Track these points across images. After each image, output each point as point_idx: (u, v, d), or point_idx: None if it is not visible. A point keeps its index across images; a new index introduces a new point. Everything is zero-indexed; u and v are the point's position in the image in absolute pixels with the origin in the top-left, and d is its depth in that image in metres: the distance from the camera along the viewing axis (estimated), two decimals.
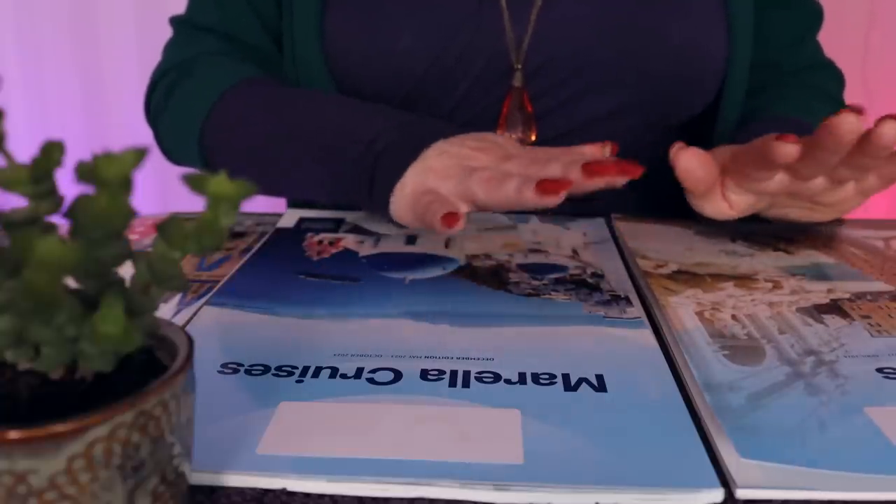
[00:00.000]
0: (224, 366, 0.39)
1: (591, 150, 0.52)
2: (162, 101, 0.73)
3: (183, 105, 0.70)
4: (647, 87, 0.67)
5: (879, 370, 0.38)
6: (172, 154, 0.75)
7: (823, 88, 0.75)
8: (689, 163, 0.52)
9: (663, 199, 0.64)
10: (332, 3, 0.67)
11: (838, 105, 0.74)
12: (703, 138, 0.73)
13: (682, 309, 0.46)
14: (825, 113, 0.69)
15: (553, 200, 0.44)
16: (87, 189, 0.21)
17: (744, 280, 0.50)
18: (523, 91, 0.67)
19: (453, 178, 0.48)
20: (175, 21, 0.77)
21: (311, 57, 0.68)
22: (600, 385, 0.37)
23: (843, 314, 0.45)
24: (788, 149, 0.46)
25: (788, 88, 0.74)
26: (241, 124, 0.65)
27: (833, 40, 0.83)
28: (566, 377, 0.38)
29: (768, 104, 0.71)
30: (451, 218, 0.45)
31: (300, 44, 0.69)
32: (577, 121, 0.69)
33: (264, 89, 0.67)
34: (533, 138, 0.68)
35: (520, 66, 0.66)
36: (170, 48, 0.76)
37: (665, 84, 0.67)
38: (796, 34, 0.76)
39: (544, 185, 0.44)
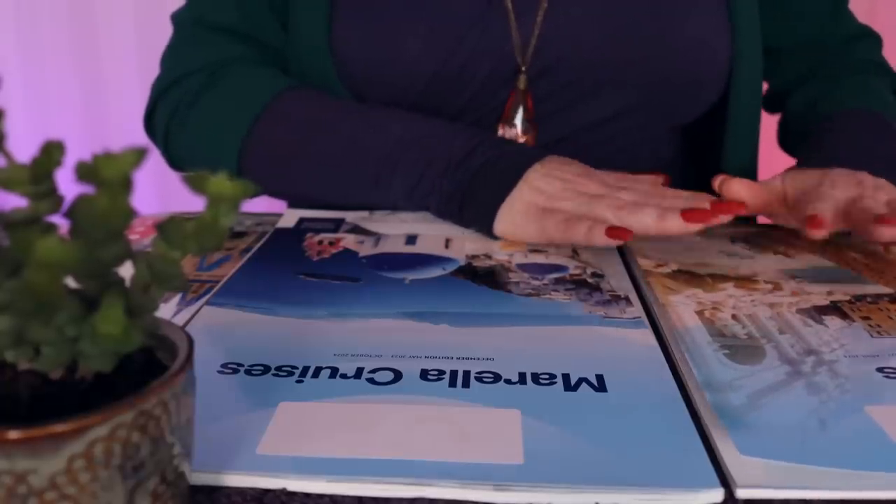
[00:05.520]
0: (224, 366, 0.39)
1: (645, 180, 0.59)
2: (182, 108, 0.68)
3: (219, 111, 0.66)
4: (652, 88, 0.67)
5: (880, 370, 0.38)
6: (188, 162, 0.70)
7: (873, 60, 0.76)
8: (739, 193, 0.55)
9: None
10: (339, 12, 0.67)
11: (887, 73, 0.75)
12: (711, 138, 0.74)
13: (683, 308, 0.46)
14: (882, 87, 0.71)
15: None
16: (87, 189, 0.21)
17: (744, 281, 0.50)
18: (527, 93, 0.67)
19: (568, 201, 0.54)
20: (180, 19, 0.72)
21: (320, 65, 0.68)
22: (600, 385, 0.37)
23: (843, 315, 0.45)
24: (817, 234, 0.51)
25: (840, 70, 0.74)
26: (300, 131, 0.63)
27: None
28: (566, 377, 0.38)
29: (827, 92, 0.71)
30: (621, 232, 0.51)
31: (308, 52, 0.68)
32: (583, 122, 0.69)
33: (316, 96, 0.66)
34: (531, 142, 0.68)
35: (524, 69, 0.66)
36: (179, 49, 0.71)
37: (669, 85, 0.68)
38: (830, 5, 0.76)
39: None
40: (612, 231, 0.51)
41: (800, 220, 0.53)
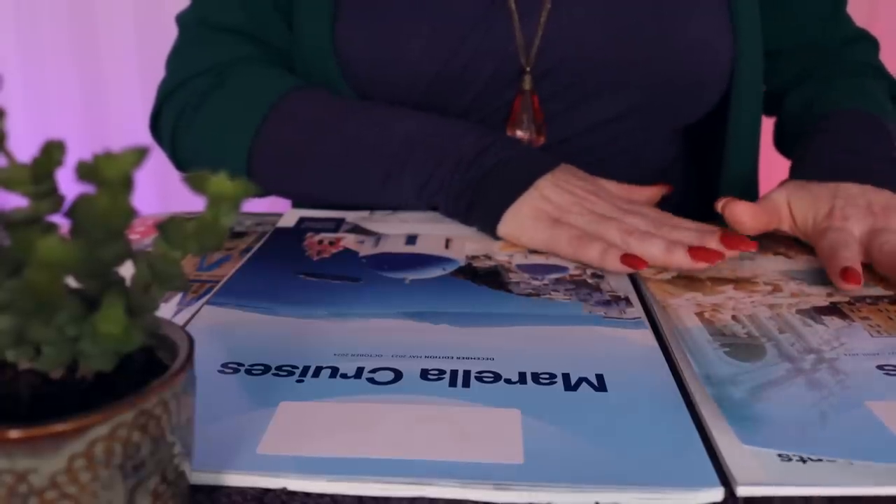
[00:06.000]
0: (224, 366, 0.39)
1: (649, 193, 0.61)
2: (189, 110, 0.68)
3: (226, 112, 0.67)
4: (655, 89, 0.67)
5: (880, 367, 0.39)
6: (196, 165, 0.69)
7: (870, 63, 0.76)
8: (741, 216, 0.54)
9: (670, 202, 0.64)
10: (343, 12, 0.67)
11: (884, 77, 0.75)
12: (713, 139, 0.74)
13: (683, 310, 0.46)
14: (877, 90, 0.70)
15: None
16: (88, 189, 0.21)
17: (743, 283, 0.50)
18: (533, 94, 0.67)
19: (576, 215, 0.54)
20: (185, 20, 0.72)
21: (323, 65, 0.68)
22: (600, 385, 0.37)
23: (843, 316, 0.45)
24: (852, 287, 0.48)
25: (836, 72, 0.74)
26: (307, 131, 0.64)
27: None
28: (566, 377, 0.38)
29: (822, 93, 0.71)
30: (636, 261, 0.51)
31: (311, 52, 0.68)
32: (586, 123, 0.69)
33: (323, 95, 0.66)
34: (542, 141, 0.68)
35: (529, 69, 0.66)
36: (184, 51, 0.71)
37: (672, 86, 0.67)
38: (829, 8, 0.76)
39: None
40: (627, 258, 0.51)
41: (828, 267, 0.50)
